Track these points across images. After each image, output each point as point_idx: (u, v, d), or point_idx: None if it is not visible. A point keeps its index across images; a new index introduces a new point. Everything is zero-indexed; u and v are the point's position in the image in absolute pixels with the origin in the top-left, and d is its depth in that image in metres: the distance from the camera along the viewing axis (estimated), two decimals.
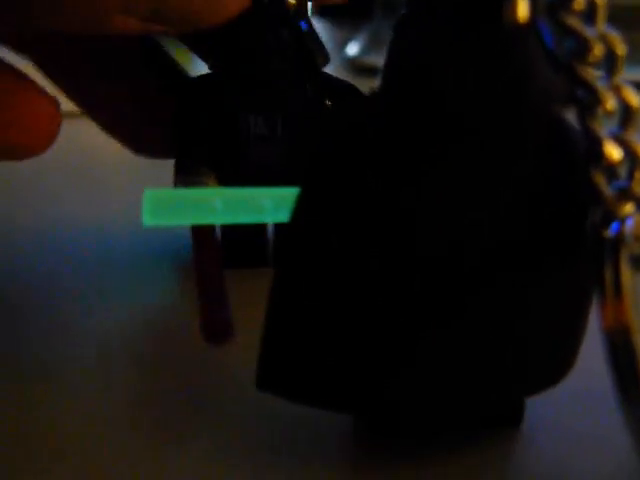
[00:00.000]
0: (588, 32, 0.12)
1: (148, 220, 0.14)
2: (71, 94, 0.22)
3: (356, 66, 0.53)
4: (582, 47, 0.12)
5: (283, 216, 0.14)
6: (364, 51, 0.54)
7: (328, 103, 0.22)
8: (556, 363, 0.14)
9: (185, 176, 0.19)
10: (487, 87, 0.12)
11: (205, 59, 0.22)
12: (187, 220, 0.15)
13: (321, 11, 0.85)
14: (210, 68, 0.22)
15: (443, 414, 0.14)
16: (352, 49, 0.55)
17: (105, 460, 0.14)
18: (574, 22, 0.12)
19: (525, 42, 0.12)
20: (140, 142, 0.23)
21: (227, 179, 0.19)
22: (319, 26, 0.75)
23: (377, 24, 0.61)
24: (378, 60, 0.52)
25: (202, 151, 0.20)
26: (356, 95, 0.22)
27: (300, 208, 0.12)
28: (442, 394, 0.14)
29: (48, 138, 0.17)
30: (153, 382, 0.17)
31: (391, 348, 0.13)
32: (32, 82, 0.17)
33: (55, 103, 0.17)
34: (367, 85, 0.51)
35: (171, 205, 0.14)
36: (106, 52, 0.21)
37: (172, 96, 0.21)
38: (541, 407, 0.16)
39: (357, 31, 0.66)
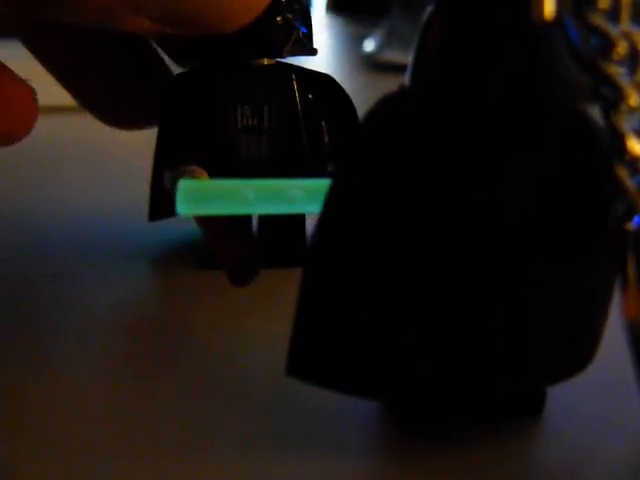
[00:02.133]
0: (612, 30, 0.13)
1: (182, 210, 0.15)
2: (46, 61, 0.21)
3: (373, 62, 0.53)
4: (606, 45, 0.13)
5: (314, 207, 0.14)
6: (381, 47, 0.54)
7: (310, 96, 0.22)
8: (578, 353, 0.15)
9: (175, 173, 0.19)
10: (513, 82, 0.13)
11: (181, 57, 0.22)
12: (219, 210, 0.15)
13: (337, 7, 0.86)
14: (186, 65, 0.21)
15: (465, 402, 0.15)
16: (369, 45, 0.55)
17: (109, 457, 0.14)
18: (599, 20, 0.13)
19: (551, 39, 0.12)
20: (116, 114, 0.22)
21: (216, 172, 0.19)
22: (335, 22, 0.76)
23: (394, 20, 0.62)
24: (395, 56, 0.53)
25: (188, 147, 0.20)
26: (334, 87, 0.22)
27: (333, 198, 0.13)
28: (465, 382, 0.14)
29: (25, 127, 0.17)
30: (171, 372, 0.17)
31: (416, 336, 0.13)
32: (10, 71, 0.17)
33: (32, 93, 0.17)
34: (385, 80, 0.52)
35: (204, 195, 0.15)
36: (93, 36, 0.21)
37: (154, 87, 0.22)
38: (563, 395, 0.16)
39: (374, 27, 0.66)
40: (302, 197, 0.15)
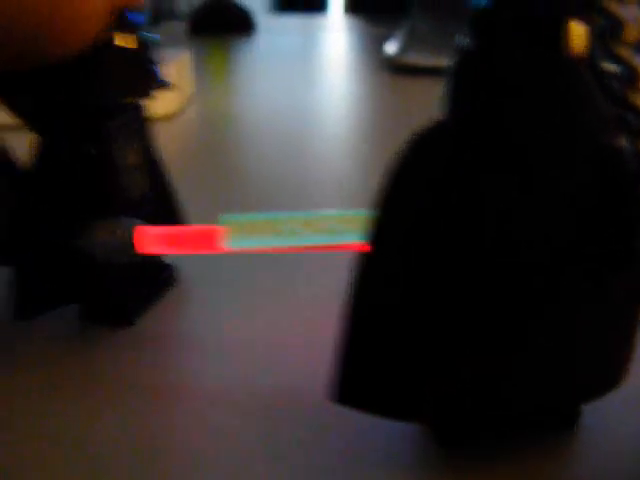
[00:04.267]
0: (638, 61, 0.13)
1: (227, 244, 0.15)
2: None
3: (395, 65, 0.53)
4: (632, 75, 0.13)
5: (351, 237, 0.15)
6: (403, 50, 0.54)
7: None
8: (612, 371, 0.15)
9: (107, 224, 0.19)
10: (546, 114, 0.13)
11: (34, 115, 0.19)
12: (262, 243, 0.16)
13: (356, 7, 0.86)
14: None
15: (505, 420, 0.15)
16: (391, 48, 0.56)
17: None
18: (624, 52, 0.13)
19: (581, 72, 0.13)
20: None
21: (103, 212, 0.19)
22: (354, 23, 0.75)
23: (414, 22, 0.62)
24: (417, 58, 0.53)
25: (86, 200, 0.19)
26: None
27: (379, 227, 0.13)
28: (505, 403, 0.15)
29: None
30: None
31: (462, 361, 0.14)
32: None
33: None
34: (406, 82, 0.51)
35: (247, 229, 0.15)
36: None
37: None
38: (597, 411, 0.16)
39: (393, 27, 0.66)
40: (339, 227, 0.15)
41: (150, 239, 0.18)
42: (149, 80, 0.19)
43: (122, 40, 0.18)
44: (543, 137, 0.13)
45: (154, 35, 0.20)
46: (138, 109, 0.20)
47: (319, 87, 0.53)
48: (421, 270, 0.13)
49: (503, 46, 0.13)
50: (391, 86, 0.51)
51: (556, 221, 0.13)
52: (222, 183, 0.32)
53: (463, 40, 0.14)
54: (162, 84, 0.20)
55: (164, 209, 0.22)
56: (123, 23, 0.18)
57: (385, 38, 0.63)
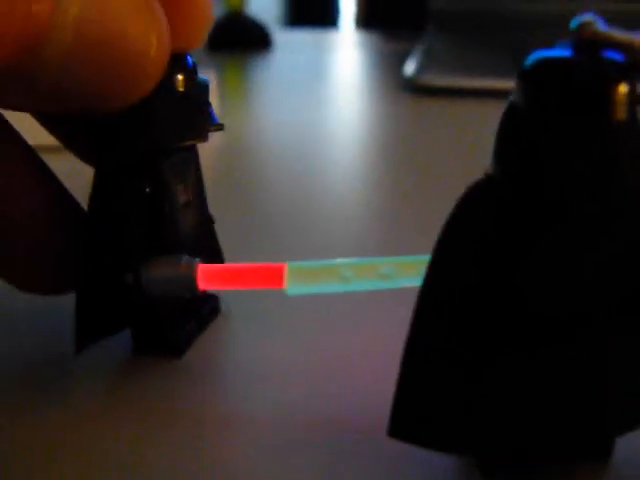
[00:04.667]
0: None
1: (291, 291, 0.16)
2: None
3: (413, 85, 0.54)
4: None
5: (407, 282, 0.16)
6: (420, 70, 0.54)
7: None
8: None
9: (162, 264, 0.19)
10: (592, 174, 0.14)
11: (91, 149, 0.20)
12: (322, 289, 0.17)
13: (369, 22, 0.87)
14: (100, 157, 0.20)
15: (544, 453, 0.16)
16: (409, 69, 0.56)
17: None
18: None
19: (626, 137, 0.14)
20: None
21: (159, 249, 0.19)
22: (366, 38, 0.75)
23: (430, 40, 0.62)
24: (434, 79, 0.54)
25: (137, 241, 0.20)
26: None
27: (433, 272, 0.14)
28: (542, 434, 0.15)
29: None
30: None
31: (508, 399, 0.15)
32: None
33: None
34: (425, 103, 0.52)
35: (309, 277, 0.16)
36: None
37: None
38: (629, 442, 0.17)
39: (407, 44, 0.67)
40: (395, 273, 0.16)
41: (211, 276, 0.19)
42: (205, 122, 0.20)
43: (182, 83, 0.19)
44: (586, 198, 0.14)
45: (205, 77, 0.20)
46: (191, 148, 0.21)
47: (335, 105, 0.54)
48: (474, 314, 0.14)
49: (550, 107, 0.14)
50: (410, 106, 0.51)
51: (602, 272, 0.14)
52: (239, 202, 0.33)
53: (513, 94, 0.15)
54: (217, 126, 0.20)
55: (209, 246, 0.23)
56: (183, 66, 0.19)
57: (399, 54, 0.64)
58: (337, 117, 0.50)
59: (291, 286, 0.16)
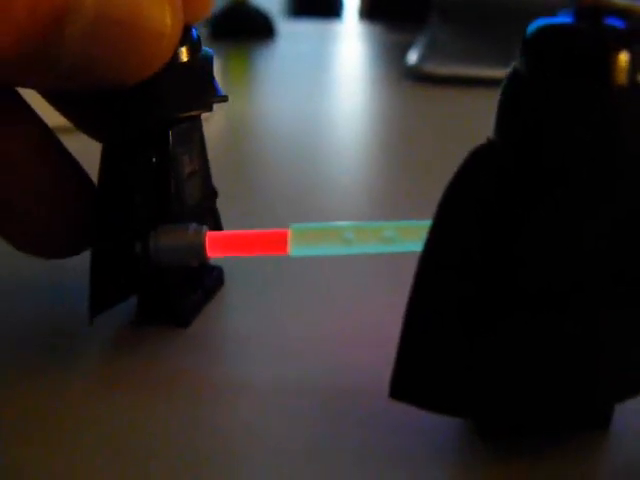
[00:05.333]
0: None
1: (294, 252, 0.17)
2: None
3: (416, 74, 0.54)
4: None
5: (409, 246, 0.16)
6: (423, 59, 0.55)
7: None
8: None
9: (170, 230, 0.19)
10: (592, 141, 0.14)
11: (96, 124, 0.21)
12: (325, 251, 0.17)
13: (372, 13, 0.87)
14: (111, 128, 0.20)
15: (542, 419, 0.16)
16: (411, 58, 0.56)
17: None
18: None
19: (626, 103, 0.14)
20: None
21: (167, 218, 0.20)
22: (369, 29, 0.75)
23: (433, 30, 0.62)
24: (437, 68, 0.54)
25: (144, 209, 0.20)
26: None
27: (434, 236, 0.15)
28: (544, 403, 0.16)
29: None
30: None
31: (507, 364, 0.15)
32: None
33: None
34: (427, 92, 0.52)
35: (313, 238, 0.16)
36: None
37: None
38: (628, 411, 0.17)
39: (410, 35, 0.67)
40: (397, 237, 0.16)
41: (219, 243, 0.19)
42: (210, 93, 0.20)
43: (187, 55, 0.19)
44: (585, 163, 0.14)
45: (210, 49, 0.21)
46: (196, 118, 0.21)
47: (338, 94, 0.54)
48: (474, 279, 0.15)
49: (552, 74, 0.14)
50: (413, 95, 0.51)
51: (600, 240, 0.15)
52: (241, 188, 0.33)
53: (515, 61, 0.15)
54: (222, 97, 0.20)
55: (212, 216, 0.23)
56: (188, 38, 0.19)
57: (402, 45, 0.64)
58: (339, 104, 0.50)
59: (294, 248, 0.17)
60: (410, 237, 0.16)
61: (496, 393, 0.15)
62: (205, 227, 0.20)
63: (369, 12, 0.88)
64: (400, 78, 0.55)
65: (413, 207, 0.31)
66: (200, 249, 0.19)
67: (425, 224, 0.15)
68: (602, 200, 0.14)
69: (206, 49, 0.20)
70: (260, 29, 0.73)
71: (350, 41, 0.77)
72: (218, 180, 0.23)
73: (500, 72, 0.17)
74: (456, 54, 0.55)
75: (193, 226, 0.20)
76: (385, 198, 0.33)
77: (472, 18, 0.62)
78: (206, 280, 0.22)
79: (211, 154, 0.22)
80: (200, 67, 0.20)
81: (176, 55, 0.18)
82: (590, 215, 0.14)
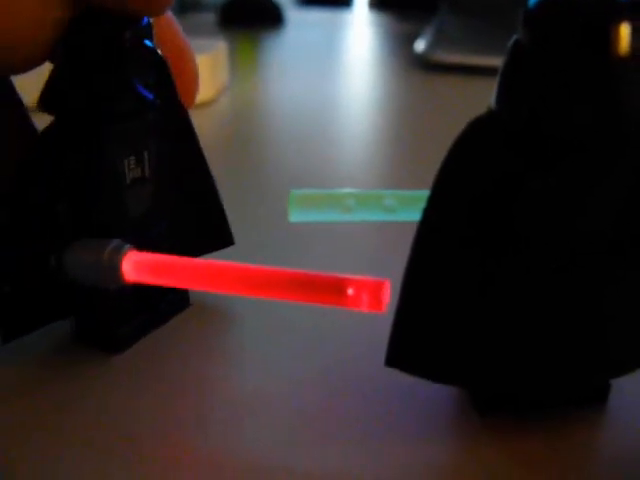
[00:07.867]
0: None
1: (293, 218, 0.17)
2: None
3: (424, 62, 0.54)
4: None
5: (408, 215, 0.16)
6: (431, 47, 0.55)
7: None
8: None
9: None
10: (594, 113, 0.14)
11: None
12: (325, 217, 0.17)
13: (382, 3, 0.87)
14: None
15: (539, 392, 0.16)
16: (420, 45, 0.56)
17: None
18: None
19: (628, 73, 0.14)
20: None
21: (93, 231, 0.17)
22: (379, 19, 0.75)
23: (442, 19, 0.62)
24: (445, 56, 0.54)
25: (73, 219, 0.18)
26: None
27: (433, 205, 0.15)
28: (540, 375, 0.16)
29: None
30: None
31: (503, 332, 0.15)
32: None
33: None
34: (435, 80, 0.52)
35: (312, 204, 0.17)
36: None
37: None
38: (625, 386, 0.17)
39: (419, 24, 0.67)
40: (397, 206, 0.16)
41: (143, 266, 0.17)
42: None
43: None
44: (587, 134, 0.14)
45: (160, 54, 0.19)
46: (148, 117, 0.18)
47: (347, 81, 0.54)
48: (472, 247, 0.15)
49: (554, 45, 0.14)
50: (421, 83, 0.51)
51: (602, 210, 0.15)
52: (250, 172, 0.33)
53: (516, 33, 0.15)
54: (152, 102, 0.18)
55: (200, 230, 0.20)
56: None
57: (411, 35, 0.64)
58: (348, 91, 0.51)
59: (294, 213, 0.17)
60: (411, 206, 0.16)
61: (493, 361, 0.15)
62: (127, 246, 0.17)
63: (379, 2, 0.87)
64: (408, 66, 0.56)
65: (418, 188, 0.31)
66: (113, 271, 0.16)
67: (426, 194, 0.15)
68: (603, 168, 0.15)
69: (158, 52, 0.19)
70: (269, 17, 0.73)
71: (359, 30, 0.77)
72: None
73: None
74: (464, 43, 0.55)
75: (114, 244, 0.17)
76: (391, 180, 0.33)
77: (480, 7, 0.61)
78: (161, 301, 0.20)
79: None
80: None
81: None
82: (590, 183, 0.15)
